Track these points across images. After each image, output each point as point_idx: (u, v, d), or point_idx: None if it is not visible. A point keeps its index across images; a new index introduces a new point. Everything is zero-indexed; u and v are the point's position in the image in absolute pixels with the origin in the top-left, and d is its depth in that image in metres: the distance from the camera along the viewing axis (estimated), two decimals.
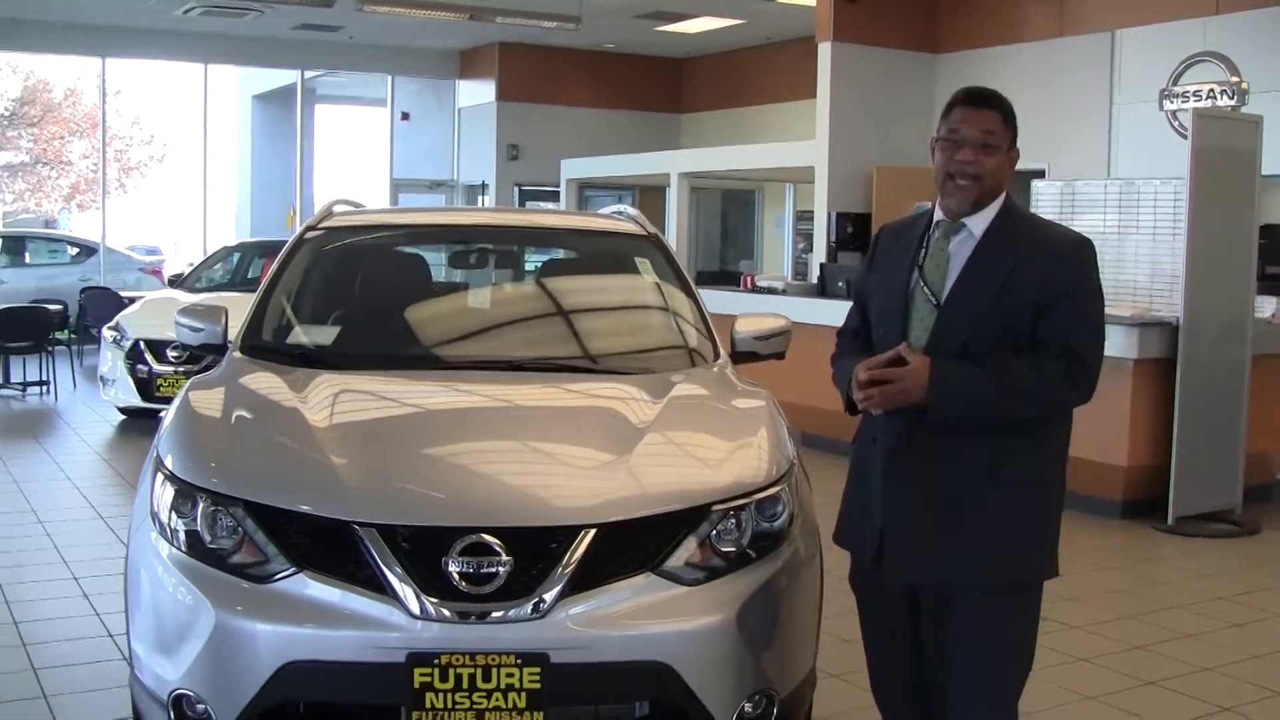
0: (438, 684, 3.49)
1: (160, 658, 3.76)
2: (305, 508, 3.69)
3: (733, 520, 3.83)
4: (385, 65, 21.31)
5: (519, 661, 3.50)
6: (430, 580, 3.55)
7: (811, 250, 15.38)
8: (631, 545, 3.69)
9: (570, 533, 3.62)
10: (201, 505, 3.77)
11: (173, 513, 3.82)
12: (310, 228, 5.67)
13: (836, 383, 3.77)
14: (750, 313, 5.51)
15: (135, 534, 4.02)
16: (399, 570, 3.54)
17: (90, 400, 13.50)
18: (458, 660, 3.49)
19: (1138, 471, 8.89)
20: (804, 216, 17.26)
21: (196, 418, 4.29)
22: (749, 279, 13.16)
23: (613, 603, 3.61)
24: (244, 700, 3.56)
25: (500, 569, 3.55)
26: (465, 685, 3.49)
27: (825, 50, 14.20)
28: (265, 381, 4.59)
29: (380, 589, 3.55)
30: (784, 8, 16.29)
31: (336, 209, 5.87)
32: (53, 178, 37.99)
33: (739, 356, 5.21)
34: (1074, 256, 3.45)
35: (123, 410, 12.30)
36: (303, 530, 3.66)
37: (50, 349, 14.07)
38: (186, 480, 3.85)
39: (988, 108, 3.47)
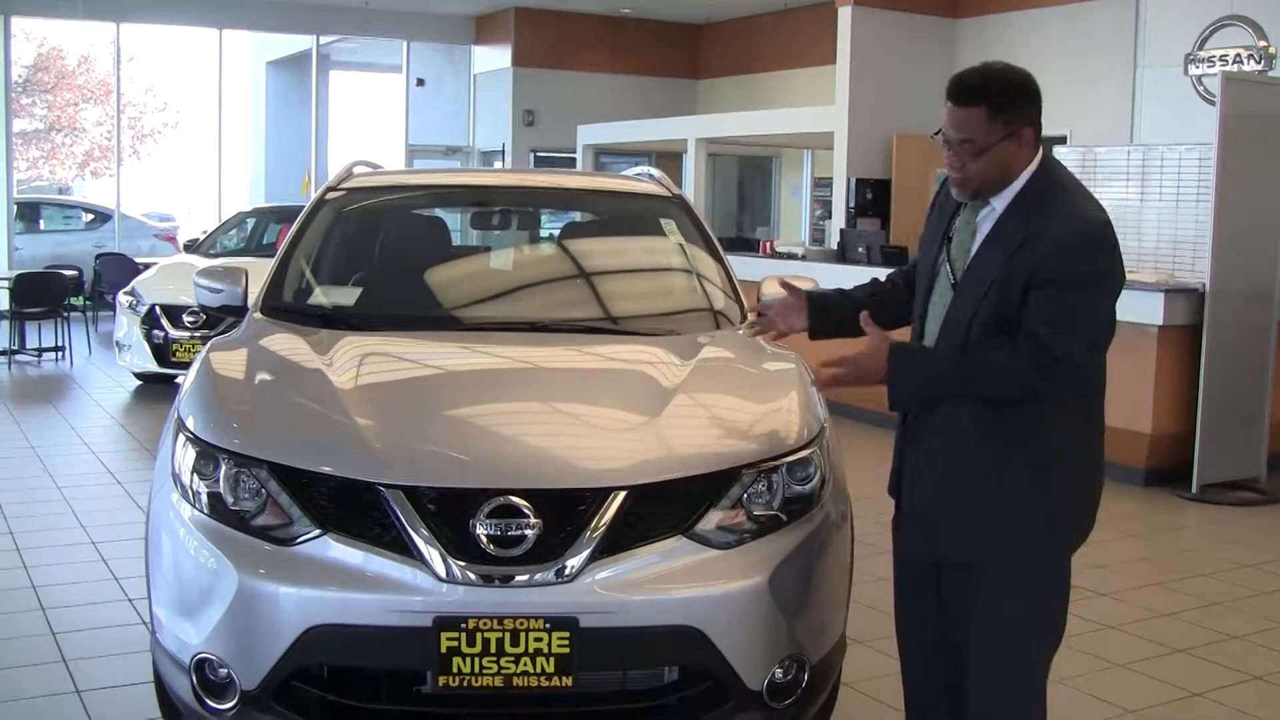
0: (465, 648, 3.42)
1: (182, 621, 3.70)
2: (330, 469, 3.62)
3: (764, 483, 3.76)
4: (400, 31, 21.17)
5: (547, 626, 3.44)
6: (457, 543, 3.48)
7: (829, 217, 15.28)
8: (662, 508, 3.62)
9: (600, 495, 3.55)
10: (224, 467, 3.70)
11: (194, 475, 3.76)
12: (330, 188, 5.60)
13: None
14: (776, 274, 5.43)
15: (156, 497, 3.96)
16: (425, 533, 3.48)
17: (106, 366, 13.47)
18: (485, 624, 3.42)
19: (1162, 439, 8.81)
20: (821, 183, 17.14)
21: (218, 379, 4.22)
22: (768, 244, 13.07)
23: (643, 566, 3.54)
24: (268, 664, 3.50)
25: (528, 532, 3.48)
26: (493, 650, 3.43)
27: (845, 14, 14.08)
28: (287, 343, 4.53)
29: (406, 552, 3.48)
30: None
31: (357, 170, 5.80)
32: (66, 145, 37.89)
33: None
34: (1071, 244, 3.24)
35: (139, 376, 12.27)
36: (327, 492, 3.60)
37: (66, 315, 14.02)
38: (208, 441, 3.79)
39: (971, 103, 3.27)
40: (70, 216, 20.93)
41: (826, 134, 14.49)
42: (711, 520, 3.66)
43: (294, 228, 5.38)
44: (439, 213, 5.94)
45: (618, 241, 5.75)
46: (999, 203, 3.38)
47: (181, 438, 3.88)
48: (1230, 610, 6.21)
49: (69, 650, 5.20)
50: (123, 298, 12.14)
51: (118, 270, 15.82)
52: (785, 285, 3.99)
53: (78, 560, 6.52)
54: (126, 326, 11.87)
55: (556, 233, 5.95)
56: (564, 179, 6.21)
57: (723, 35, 20.80)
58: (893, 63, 14.10)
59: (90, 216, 20.80)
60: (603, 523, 3.52)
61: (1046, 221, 3.28)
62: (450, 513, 3.51)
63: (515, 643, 3.43)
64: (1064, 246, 3.23)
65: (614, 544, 3.53)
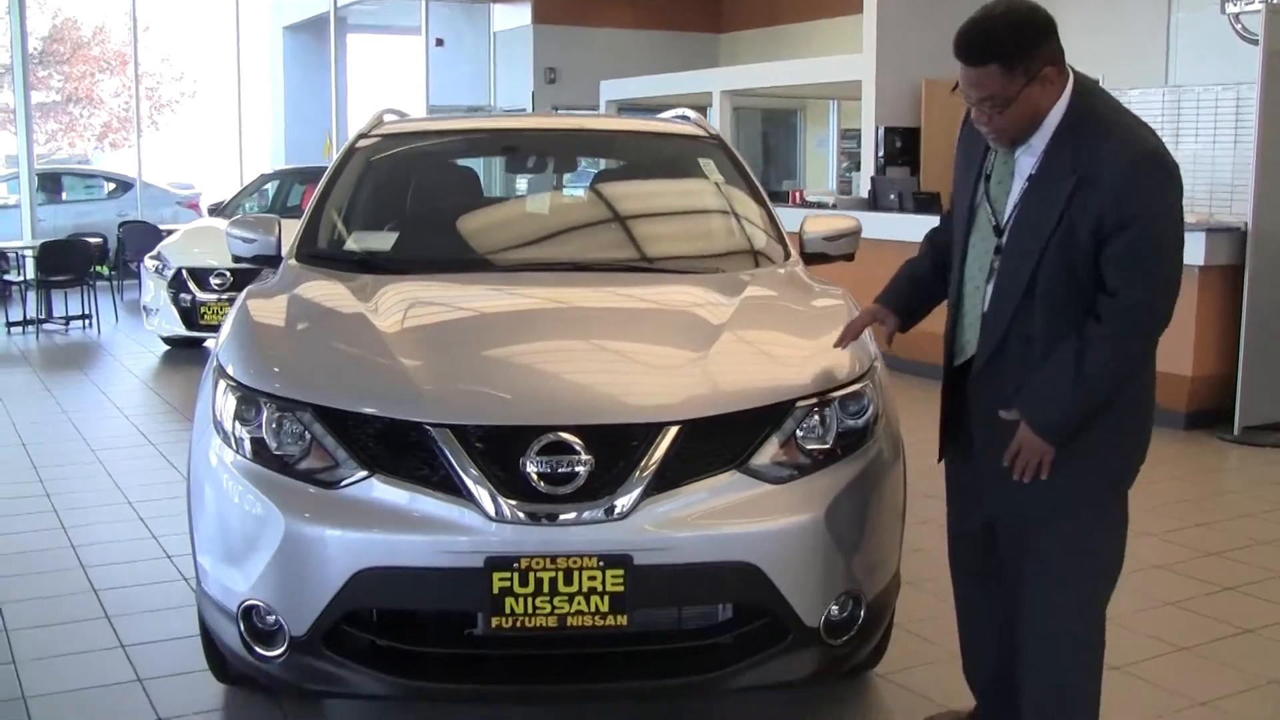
0: (517, 588, 3.36)
1: (228, 569, 3.65)
2: (376, 410, 3.55)
3: (817, 417, 3.69)
4: None
5: (601, 564, 3.37)
6: (507, 482, 3.41)
7: (857, 169, 15.12)
8: (715, 443, 3.55)
9: (652, 430, 3.48)
10: (266, 411, 3.64)
11: (236, 421, 3.69)
12: (362, 135, 5.52)
13: (891, 281, 3.81)
14: (817, 214, 5.35)
15: (196, 446, 3.90)
16: (475, 472, 3.41)
17: (133, 332, 13.44)
18: (538, 564, 3.36)
19: (1203, 382, 8.70)
20: (848, 135, 16.97)
21: (257, 325, 4.15)
22: (797, 194, 12.95)
23: (697, 502, 3.47)
24: (317, 609, 3.44)
25: (580, 469, 3.41)
26: (546, 589, 3.37)
27: None
28: (326, 288, 4.46)
29: (455, 492, 3.42)
30: None
31: (387, 118, 5.71)
32: (84, 117, 37.88)
33: (807, 258, 5.05)
34: (1132, 182, 3.13)
35: (166, 340, 12.24)
36: (373, 433, 3.53)
37: (91, 283, 13.99)
38: (250, 386, 3.72)
39: (982, 63, 3.17)
40: (92, 186, 20.87)
41: (854, 84, 14.30)
42: (765, 455, 3.58)
43: (325, 176, 5.30)
44: (473, 158, 5.83)
45: (656, 182, 5.65)
46: (1037, 140, 3.29)
47: (222, 384, 3.81)
48: (1277, 549, 6.13)
49: (111, 607, 5.15)
50: (148, 262, 12.10)
51: (142, 238, 15.78)
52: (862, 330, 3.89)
53: (115, 520, 6.48)
54: (153, 291, 11.83)
55: (593, 175, 5.85)
56: (600, 122, 6.09)
57: None
58: (921, 8, 13.88)
59: (112, 186, 20.74)
60: (655, 459, 3.45)
61: (1097, 161, 3.16)
62: (500, 451, 3.44)
63: (569, 582, 3.37)
64: (1125, 186, 3.12)
65: (667, 480, 3.46)
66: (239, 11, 20.65)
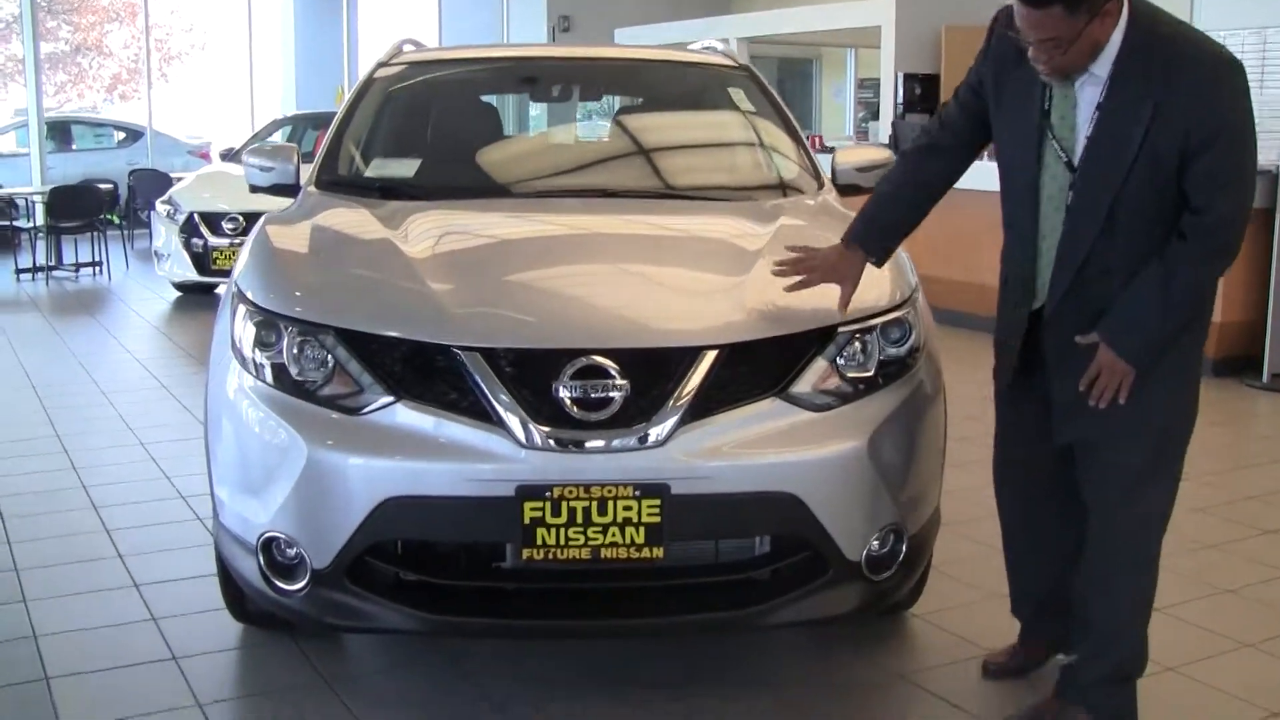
0: (549, 518, 3.22)
1: (247, 500, 3.51)
2: (403, 333, 3.41)
3: (859, 344, 3.55)
4: None
5: (637, 493, 3.23)
6: (539, 408, 3.27)
7: (874, 118, 14.91)
8: (755, 369, 3.41)
9: (690, 354, 3.33)
10: (287, 336, 3.49)
11: (256, 347, 3.55)
12: (381, 64, 5.35)
13: (863, 210, 3.68)
14: (849, 145, 5.19)
15: (214, 374, 3.76)
16: (505, 397, 3.27)
17: (145, 279, 13.30)
18: (570, 493, 3.22)
19: (1232, 328, 8.53)
20: (865, 85, 16.73)
21: (277, 250, 3.99)
22: (816, 139, 12.76)
23: (736, 430, 3.32)
24: (340, 540, 3.31)
25: (614, 394, 3.26)
26: (579, 520, 3.23)
27: None
28: (350, 215, 4.30)
29: (485, 417, 3.28)
30: None
31: (405, 48, 5.53)
32: (94, 69, 37.61)
33: (840, 190, 4.88)
34: (1215, 92, 3.09)
35: (178, 286, 12.10)
36: (399, 357, 3.39)
37: (102, 229, 13.83)
38: (270, 310, 3.58)
39: (1044, 5, 3.05)
40: (101, 135, 20.69)
41: (872, 31, 14.07)
42: (806, 382, 3.44)
43: (344, 105, 5.14)
44: (495, 88, 5.65)
45: (685, 112, 5.46)
46: (1098, 68, 3.18)
47: (241, 309, 3.67)
48: None
49: (124, 546, 5.03)
50: (160, 207, 11.95)
51: (152, 186, 15.59)
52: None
53: (127, 461, 6.35)
54: (165, 236, 11.69)
55: (620, 104, 5.66)
56: (627, 51, 5.86)
57: None
58: None
59: (122, 135, 20.55)
60: (693, 384, 3.30)
61: (1173, 84, 3.09)
62: (531, 376, 3.30)
63: (603, 512, 3.23)
64: (1208, 101, 3.08)
65: (705, 407, 3.32)
66: None
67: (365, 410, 3.35)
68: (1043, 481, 3.63)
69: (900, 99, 13.52)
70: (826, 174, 4.84)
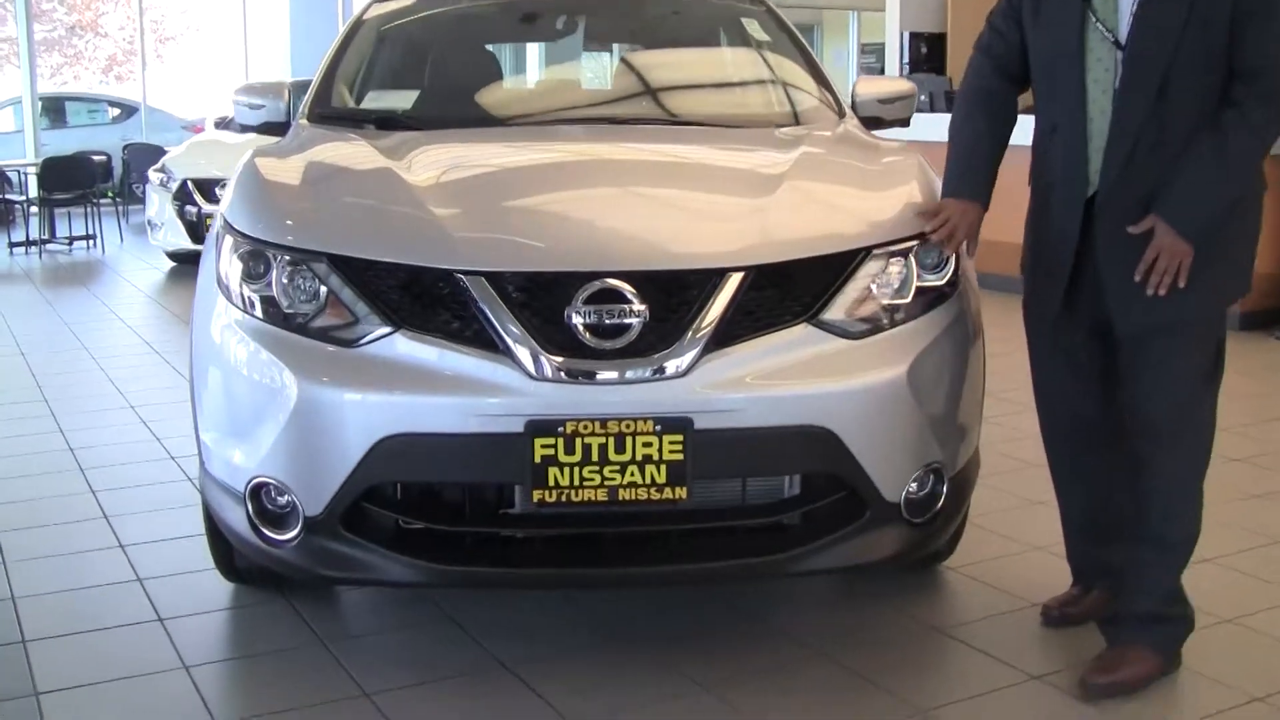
0: (562, 456, 2.95)
1: (234, 444, 3.25)
2: (401, 259, 3.13)
3: (895, 268, 3.28)
4: None
5: (658, 428, 2.96)
6: (550, 336, 3.00)
7: None
8: (783, 294, 3.14)
9: (713, 277, 3.06)
10: (276, 267, 3.22)
11: (244, 281, 3.28)
12: (374, 1, 5.06)
13: (951, 162, 3.49)
14: (869, 77, 4.92)
15: (198, 314, 3.50)
16: (514, 325, 3.00)
17: (140, 251, 13.03)
18: (585, 428, 2.95)
19: (1259, 280, 8.22)
20: (867, 50, 16.48)
21: (267, 180, 3.68)
22: None
23: (764, 358, 3.06)
24: (335, 484, 3.05)
25: (632, 320, 2.99)
26: (595, 458, 2.96)
27: None
28: (346, 144, 4.00)
29: (491, 348, 3.01)
30: None
31: None
32: (89, 50, 37.30)
33: (863, 123, 4.59)
34: None
35: (172, 256, 11.84)
36: (397, 285, 3.12)
37: (96, 202, 13.56)
38: (259, 239, 3.30)
39: None
40: (96, 111, 20.41)
41: None
42: (839, 307, 3.17)
43: (337, 40, 4.85)
44: (494, 28, 5.31)
45: (698, 42, 5.15)
46: None
47: (228, 241, 3.39)
48: None
49: (110, 508, 4.76)
50: (153, 175, 11.68)
51: (147, 160, 15.26)
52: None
53: (117, 423, 6.08)
54: (158, 204, 11.42)
55: (629, 33, 5.30)
56: None
57: None
58: None
59: (116, 111, 20.28)
60: (716, 310, 3.04)
61: None
62: (541, 302, 3.03)
63: (620, 449, 2.96)
64: None
65: (731, 334, 3.05)
66: None
67: (361, 342, 3.08)
68: (1090, 420, 3.47)
69: (906, 59, 13.24)
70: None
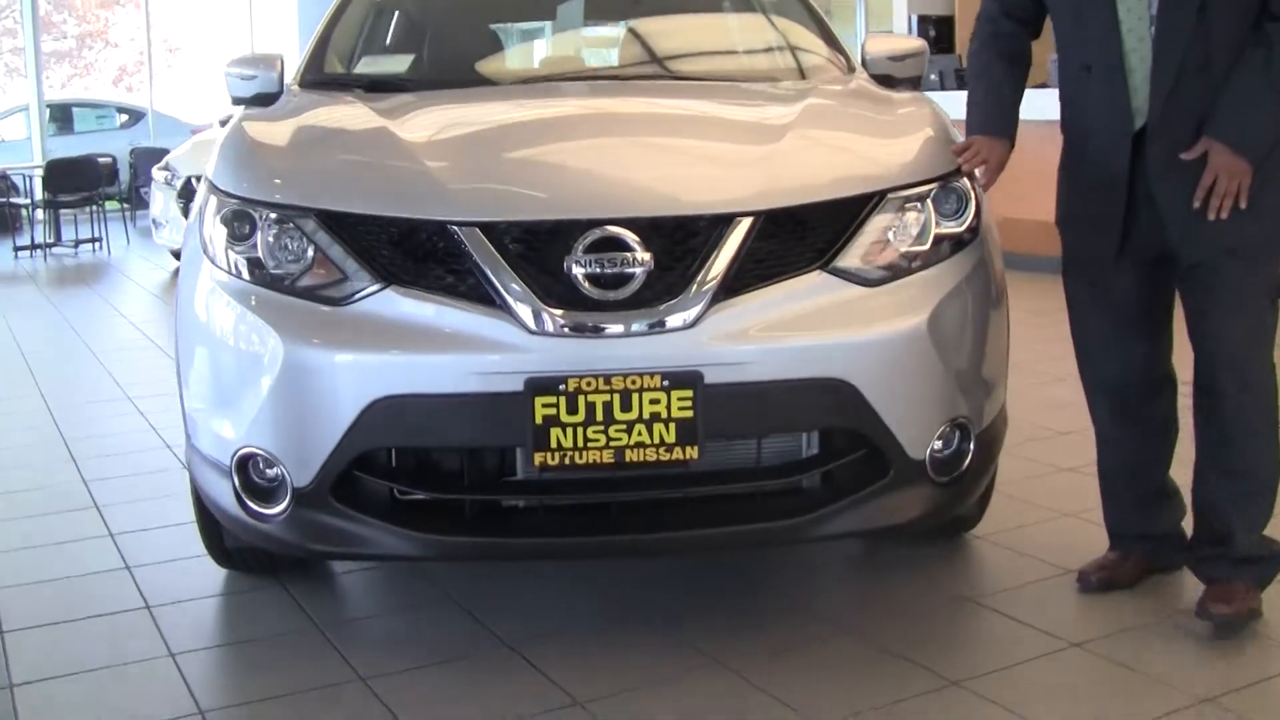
0: (564, 416, 2.76)
1: (221, 415, 3.07)
2: (390, 211, 2.95)
3: (911, 213, 3.08)
4: None
5: (666, 384, 2.76)
6: (550, 288, 2.82)
7: None
8: (795, 240, 2.95)
9: (721, 223, 2.87)
10: (262, 226, 3.04)
11: (229, 244, 3.09)
12: None
13: (973, 104, 3.42)
14: (879, 34, 4.71)
15: (184, 279, 3.31)
16: (511, 278, 2.81)
17: (146, 252, 12.89)
18: (588, 385, 2.76)
19: None
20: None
21: (254, 141, 3.49)
22: None
23: (777, 307, 2.86)
24: (325, 451, 2.86)
25: (636, 270, 2.80)
26: (599, 417, 2.77)
27: None
28: (339, 104, 3.80)
29: (488, 302, 2.82)
30: None
31: None
32: (99, 62, 37.25)
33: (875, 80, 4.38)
34: None
35: (176, 254, 11.64)
36: (388, 240, 2.93)
37: (101, 204, 13.42)
38: (245, 196, 3.12)
39: None
40: (104, 116, 20.31)
41: None
42: (854, 254, 2.98)
43: (329, 12, 4.64)
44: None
45: (702, 8, 4.93)
46: None
47: (213, 203, 3.20)
48: None
49: (102, 497, 4.58)
50: (157, 173, 11.54)
51: (154, 164, 15.18)
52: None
53: (113, 415, 5.91)
54: (163, 202, 11.27)
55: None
56: None
57: None
58: None
59: (124, 117, 20.18)
60: (725, 258, 2.85)
61: None
62: (539, 253, 2.84)
63: (626, 406, 2.77)
64: None
65: (741, 283, 2.86)
66: None
67: (352, 299, 2.90)
68: (1136, 373, 3.35)
69: None
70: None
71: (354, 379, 2.82)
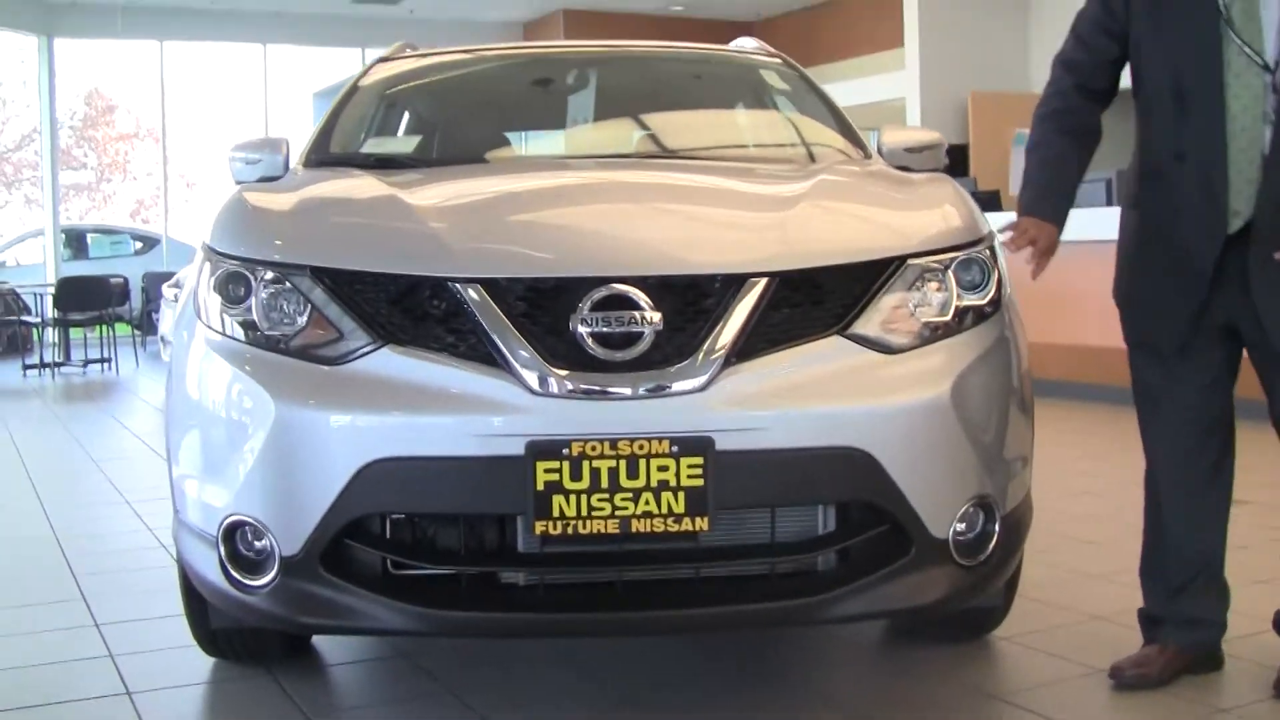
0: (568, 482, 2.62)
1: (209, 484, 2.92)
2: (390, 269, 2.84)
3: (932, 284, 2.96)
4: (448, 40, 20.42)
5: (675, 449, 2.62)
6: (554, 348, 2.69)
7: None
8: (813, 303, 2.83)
9: (734, 284, 2.75)
10: (258, 287, 2.92)
11: (224, 309, 2.97)
12: (382, 59, 4.83)
13: (1027, 181, 3.34)
14: (895, 127, 4.63)
15: (175, 349, 3.19)
16: (513, 336, 2.69)
17: (155, 373, 12.82)
18: (593, 449, 2.62)
19: None
20: None
21: (252, 206, 3.36)
22: None
23: (792, 371, 2.73)
24: (315, 517, 2.71)
25: (645, 329, 2.68)
26: (604, 484, 2.62)
27: None
28: (343, 177, 3.68)
29: (489, 362, 2.69)
30: None
31: (408, 51, 4.98)
32: (115, 195, 37.62)
33: None
34: None
35: None
36: (386, 297, 2.82)
37: (111, 323, 13.39)
38: (240, 256, 3.00)
39: None
40: (118, 243, 20.42)
41: (897, 104, 13.70)
42: (873, 320, 2.85)
43: (338, 97, 4.58)
44: (502, 89, 5.02)
45: (715, 92, 4.87)
46: None
47: (207, 267, 3.09)
48: None
49: (89, 589, 4.42)
50: (167, 291, 11.55)
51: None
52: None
53: (108, 516, 5.77)
54: (171, 320, 11.19)
55: (643, 84, 4.96)
56: (654, 46, 5.17)
57: (778, 29, 19.98)
58: (964, 19, 13.32)
59: (139, 244, 20.31)
60: (739, 319, 2.72)
61: None
62: (544, 310, 2.73)
63: (633, 473, 2.62)
64: None
65: (755, 346, 2.74)
66: (266, 64, 20.20)
67: (347, 359, 2.78)
68: (1210, 442, 3.27)
69: None
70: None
71: (347, 440, 2.68)
